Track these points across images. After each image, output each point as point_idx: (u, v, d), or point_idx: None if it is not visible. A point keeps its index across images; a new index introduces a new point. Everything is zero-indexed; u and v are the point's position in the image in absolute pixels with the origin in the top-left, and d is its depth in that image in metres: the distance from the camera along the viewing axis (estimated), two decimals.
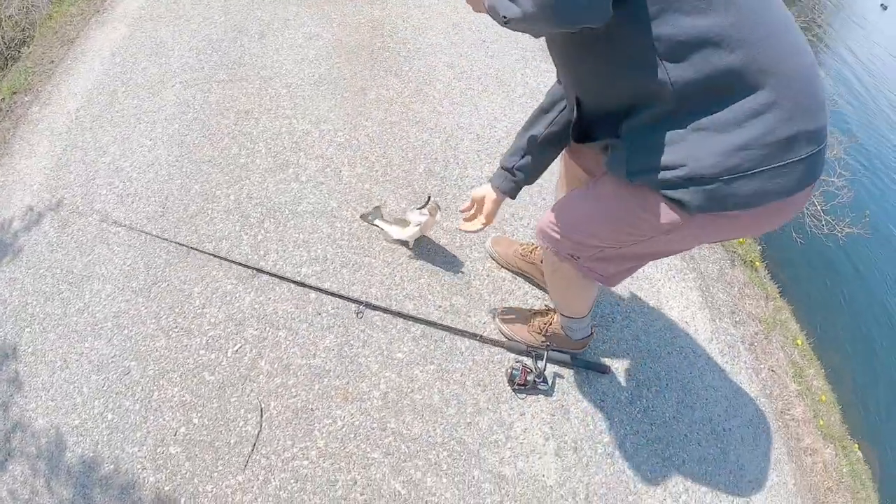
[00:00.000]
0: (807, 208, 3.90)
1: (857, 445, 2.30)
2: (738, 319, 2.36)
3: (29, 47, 3.21)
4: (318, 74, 2.99)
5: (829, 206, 3.93)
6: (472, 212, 1.78)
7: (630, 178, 1.15)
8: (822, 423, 2.20)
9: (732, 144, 1.01)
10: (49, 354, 2.00)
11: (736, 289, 2.50)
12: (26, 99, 2.91)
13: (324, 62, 3.07)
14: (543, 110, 1.53)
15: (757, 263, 2.73)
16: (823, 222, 3.83)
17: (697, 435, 1.93)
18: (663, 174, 1.08)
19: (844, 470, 2.11)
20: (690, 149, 1.04)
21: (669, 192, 1.10)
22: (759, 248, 2.94)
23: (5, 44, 3.16)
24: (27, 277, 2.20)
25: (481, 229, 1.75)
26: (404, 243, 2.22)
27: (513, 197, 1.67)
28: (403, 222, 2.18)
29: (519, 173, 1.60)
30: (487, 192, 1.69)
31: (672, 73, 0.99)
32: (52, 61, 3.11)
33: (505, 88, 3.03)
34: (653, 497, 1.76)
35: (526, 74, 3.13)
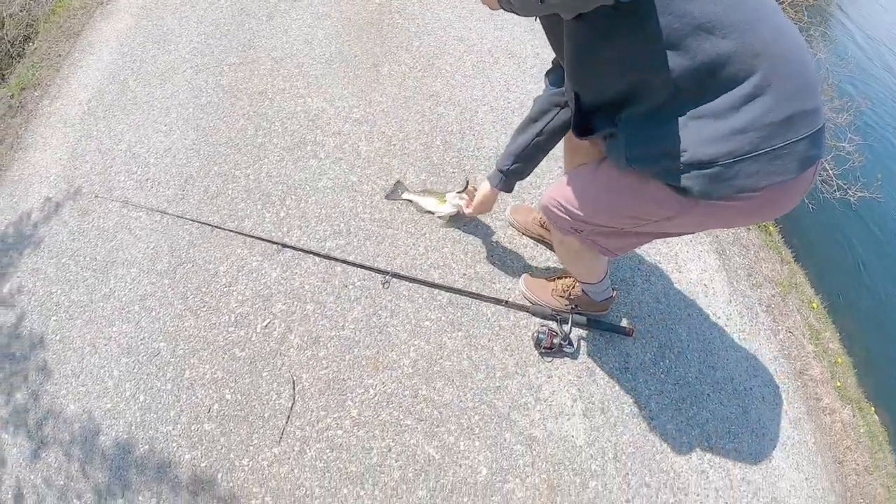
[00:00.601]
0: (820, 173, 3.87)
1: (872, 408, 2.30)
2: (754, 282, 2.35)
3: (34, 43, 3.20)
4: (329, 53, 2.97)
5: (841, 171, 3.89)
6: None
7: (629, 164, 1.16)
8: (839, 384, 2.20)
9: (731, 129, 1.00)
10: (77, 341, 2.01)
11: (752, 252, 2.49)
12: (35, 94, 2.91)
13: (334, 41, 3.04)
14: (532, 119, 1.57)
15: (770, 228, 2.72)
16: (835, 187, 3.79)
17: (720, 394, 1.93)
18: (664, 162, 1.09)
19: (862, 430, 2.12)
20: (689, 136, 1.04)
21: (671, 180, 1.10)
22: None
23: (9, 42, 3.15)
24: (50, 267, 2.21)
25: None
26: (436, 215, 2.20)
27: (508, 191, 1.76)
28: (435, 194, 2.19)
29: (512, 174, 1.69)
30: (485, 186, 1.80)
31: (670, 61, 0.98)
32: (59, 55, 3.10)
33: (516, 60, 2.99)
34: (678, 455, 1.77)
35: (536, 45, 3.09)
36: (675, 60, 0.98)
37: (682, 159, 1.05)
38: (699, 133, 1.03)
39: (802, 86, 1.02)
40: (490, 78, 2.87)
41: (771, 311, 2.29)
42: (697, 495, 1.70)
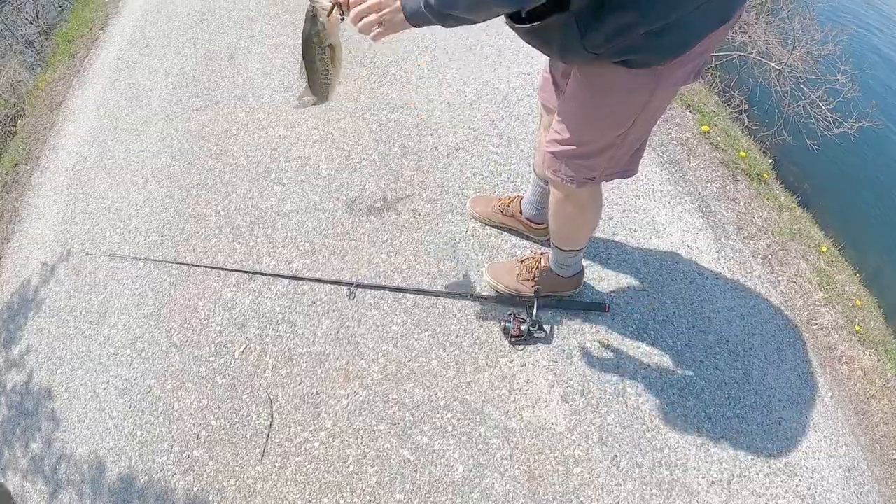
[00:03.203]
0: (815, 111, 3.72)
1: None
2: (746, 235, 2.27)
3: (23, 120, 3.41)
4: (288, 81, 3.06)
5: (835, 104, 3.71)
6: None
7: (585, 49, 1.10)
8: (858, 328, 2.07)
9: None
10: (80, 389, 2.14)
11: (741, 204, 2.40)
12: (27, 168, 3.11)
13: (291, 68, 3.13)
14: None
15: (765, 175, 2.59)
16: (832, 121, 3.63)
17: (714, 359, 1.86)
18: (623, 38, 1.06)
19: (889, 374, 1.97)
20: (640, 4, 1.01)
21: (633, 56, 1.10)
22: (769, 161, 2.80)
23: (1, 122, 3.37)
24: (52, 325, 2.36)
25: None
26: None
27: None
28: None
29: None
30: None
31: None
32: (45, 128, 3.30)
33: (472, 53, 3.01)
34: (673, 429, 1.71)
35: (491, 34, 3.10)
36: None
37: (641, 31, 1.04)
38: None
39: None
40: (446, 76, 2.90)
41: (768, 262, 2.20)
42: (698, 470, 1.64)
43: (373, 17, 1.13)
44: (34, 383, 2.23)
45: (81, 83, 3.53)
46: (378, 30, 1.15)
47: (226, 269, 2.26)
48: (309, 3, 1.20)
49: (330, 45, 1.27)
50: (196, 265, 2.32)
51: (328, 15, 1.21)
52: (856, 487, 1.66)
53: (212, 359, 2.06)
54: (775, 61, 3.83)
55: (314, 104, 1.51)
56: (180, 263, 2.34)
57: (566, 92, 1.36)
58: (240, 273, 2.24)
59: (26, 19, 4.42)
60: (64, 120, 3.30)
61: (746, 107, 3.63)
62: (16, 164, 3.14)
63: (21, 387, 2.24)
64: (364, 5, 1.12)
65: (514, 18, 1.16)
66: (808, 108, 3.77)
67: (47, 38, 4.35)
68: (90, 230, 2.64)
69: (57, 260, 2.57)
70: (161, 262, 2.38)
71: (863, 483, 1.68)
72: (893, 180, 3.72)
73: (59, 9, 4.75)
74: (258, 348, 2.03)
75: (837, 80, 3.75)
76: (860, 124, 3.58)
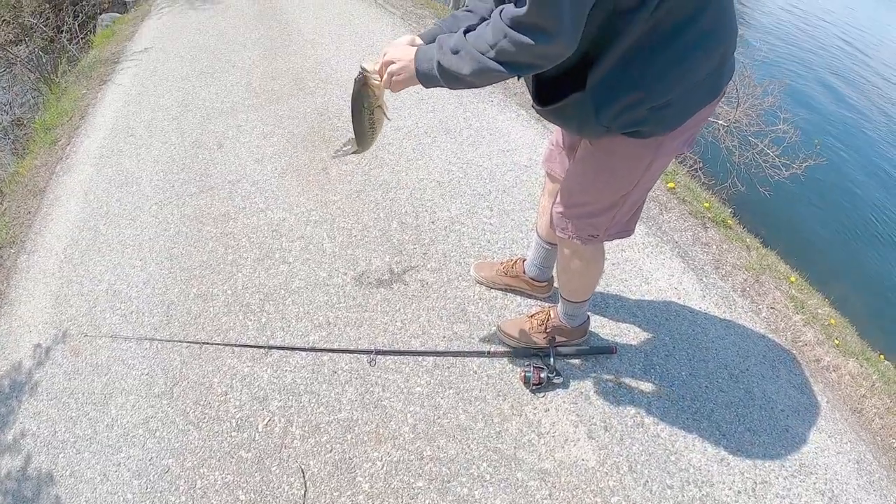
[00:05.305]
0: (763, 160, 4.22)
1: (881, 356, 2.44)
2: (723, 273, 2.58)
3: (3, 204, 3.38)
4: (280, 166, 3.24)
5: (781, 150, 4.23)
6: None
7: (598, 123, 1.29)
8: (837, 342, 2.36)
9: (690, 67, 1.19)
10: (87, 472, 2.07)
11: (714, 247, 2.73)
12: (12, 251, 3.06)
13: (282, 155, 3.33)
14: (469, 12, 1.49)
15: (729, 221, 2.95)
16: (781, 166, 4.10)
17: (717, 383, 2.09)
18: (632, 113, 1.26)
19: (874, 377, 2.25)
20: (652, 80, 1.19)
21: (639, 128, 1.30)
22: (728, 209, 3.18)
23: None
24: (51, 408, 2.29)
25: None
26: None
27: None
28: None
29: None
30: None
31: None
32: (29, 212, 3.28)
33: (452, 135, 3.34)
34: (693, 450, 1.89)
35: (468, 118, 3.46)
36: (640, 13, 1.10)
37: (648, 106, 1.22)
38: (663, 77, 1.18)
39: (733, 18, 1.23)
40: (432, 157, 3.19)
41: (747, 293, 2.49)
42: (723, 483, 1.80)
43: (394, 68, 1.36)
44: (33, 468, 2.13)
45: (65, 170, 3.56)
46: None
47: (241, 345, 2.32)
48: (360, 69, 1.43)
49: (379, 105, 1.51)
50: (208, 343, 2.36)
51: (375, 80, 1.44)
52: (867, 476, 1.88)
53: (234, 434, 2.07)
54: (722, 119, 4.34)
55: (354, 153, 1.73)
56: (191, 342, 2.37)
57: (576, 157, 1.57)
58: (255, 348, 2.30)
59: (2, 109, 4.42)
60: (49, 205, 3.30)
61: (701, 164, 4.08)
62: None
63: (17, 472, 2.12)
64: (395, 66, 1.35)
65: (538, 102, 1.39)
66: (758, 157, 4.24)
67: (19, 128, 4.36)
68: (87, 312, 2.62)
69: (52, 342, 2.53)
70: (169, 341, 2.40)
71: (872, 472, 1.90)
72: (844, 210, 4.20)
73: (33, 101, 4.79)
74: (283, 420, 2.08)
75: (780, 128, 4.28)
76: (807, 163, 4.06)
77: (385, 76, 1.39)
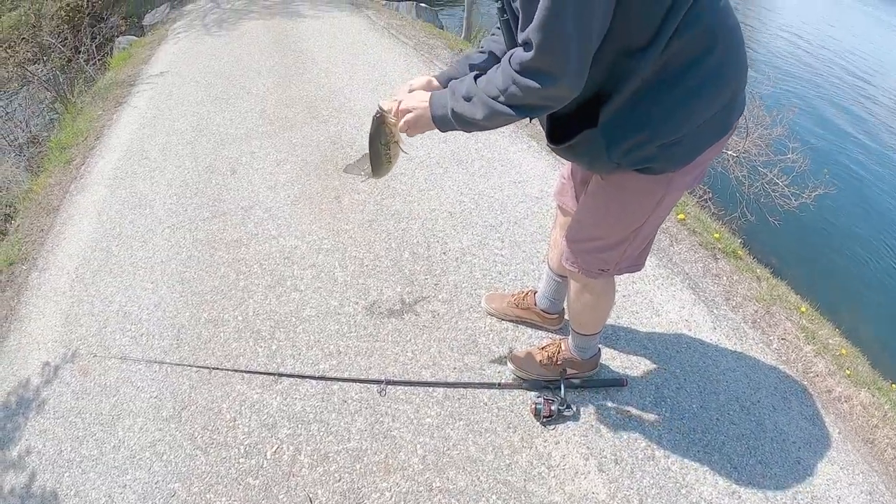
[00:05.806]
0: (773, 190, 4.23)
1: (894, 385, 2.44)
2: (734, 304, 2.60)
3: (16, 220, 3.42)
4: (293, 194, 3.30)
5: (790, 180, 4.25)
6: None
7: (610, 160, 1.32)
8: (848, 372, 2.37)
9: (700, 105, 1.22)
10: (92, 493, 2.06)
11: (724, 279, 2.77)
12: (24, 268, 3.09)
13: (295, 183, 3.39)
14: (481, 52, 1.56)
15: (739, 252, 2.99)
16: (790, 196, 4.13)
17: (729, 415, 2.10)
18: (642, 150, 1.30)
19: (886, 407, 2.25)
20: (662, 118, 1.22)
21: (650, 164, 1.33)
22: (739, 240, 3.22)
23: None
24: (57, 427, 2.29)
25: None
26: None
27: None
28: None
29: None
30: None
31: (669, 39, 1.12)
32: (42, 230, 3.32)
33: (463, 166, 3.41)
34: (704, 483, 1.89)
35: (479, 149, 3.53)
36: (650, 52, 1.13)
37: (658, 143, 1.24)
38: (673, 114, 1.21)
39: (743, 55, 1.25)
40: (444, 187, 3.25)
41: (758, 325, 2.51)
42: None
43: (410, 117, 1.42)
44: (37, 486, 2.12)
45: (80, 189, 3.61)
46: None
47: (251, 372, 2.33)
48: (378, 108, 1.50)
49: (395, 141, 1.57)
50: (218, 368, 2.37)
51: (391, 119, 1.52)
52: None
53: (242, 460, 2.08)
54: (732, 149, 4.37)
55: (369, 178, 1.82)
56: (200, 367, 2.39)
57: (587, 191, 1.61)
58: (265, 375, 2.32)
59: (18, 126, 4.49)
60: (62, 223, 3.34)
61: (710, 195, 4.11)
62: (11, 263, 3.11)
63: (21, 489, 2.12)
64: (411, 115, 1.42)
65: (552, 140, 1.44)
66: (767, 187, 4.25)
67: (35, 145, 4.43)
68: (97, 332, 2.64)
69: (61, 361, 2.54)
70: (179, 365, 2.42)
71: (885, 503, 1.90)
72: (855, 239, 4.20)
73: (48, 119, 4.87)
74: (291, 448, 2.08)
75: (789, 157, 4.31)
76: (816, 192, 4.08)
77: (402, 123, 1.46)
